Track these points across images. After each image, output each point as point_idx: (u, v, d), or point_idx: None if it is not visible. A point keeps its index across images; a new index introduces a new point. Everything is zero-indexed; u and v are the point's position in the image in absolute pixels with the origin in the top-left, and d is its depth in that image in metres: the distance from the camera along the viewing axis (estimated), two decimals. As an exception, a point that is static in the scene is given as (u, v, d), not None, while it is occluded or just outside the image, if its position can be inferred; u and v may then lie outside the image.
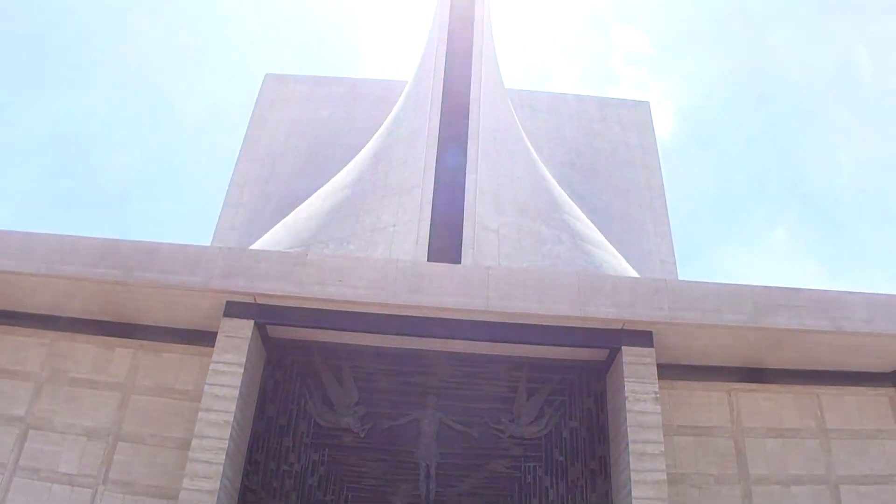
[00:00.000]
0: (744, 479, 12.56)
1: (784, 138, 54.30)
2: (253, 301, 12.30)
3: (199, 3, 56.62)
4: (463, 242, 15.79)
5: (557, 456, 12.76)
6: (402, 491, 12.42)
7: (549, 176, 20.81)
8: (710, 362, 13.27)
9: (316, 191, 20.37)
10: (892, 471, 12.75)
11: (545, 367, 13.28)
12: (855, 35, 52.16)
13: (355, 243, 16.50)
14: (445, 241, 15.87)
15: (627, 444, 11.51)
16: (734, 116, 57.45)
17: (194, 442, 11.22)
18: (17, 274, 12.40)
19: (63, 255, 12.37)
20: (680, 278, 22.89)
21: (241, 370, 11.78)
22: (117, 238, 12.75)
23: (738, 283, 12.79)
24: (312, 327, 12.71)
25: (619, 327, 12.38)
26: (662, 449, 11.48)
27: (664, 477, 11.25)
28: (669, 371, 12.89)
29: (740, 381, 13.35)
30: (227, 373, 11.74)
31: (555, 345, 12.73)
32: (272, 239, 18.34)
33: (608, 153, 27.13)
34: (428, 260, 15.25)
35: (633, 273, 18.31)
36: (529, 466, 12.69)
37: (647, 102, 29.70)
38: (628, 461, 11.39)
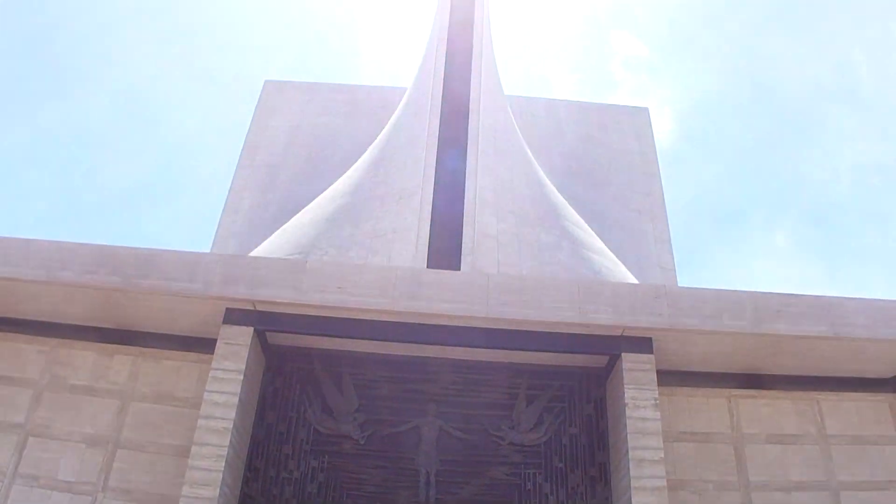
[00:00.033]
0: (744, 486, 12.54)
1: (782, 143, 54.42)
2: (252, 308, 12.30)
3: (199, 10, 56.74)
4: (462, 249, 15.80)
5: (557, 463, 12.74)
6: (403, 498, 12.38)
7: (548, 182, 20.82)
8: (709, 368, 13.25)
9: (315, 197, 20.38)
10: (893, 476, 12.72)
11: (545, 374, 13.27)
12: (852, 39, 52.32)
13: (355, 250, 16.49)
14: (445, 248, 15.88)
15: (627, 451, 11.49)
16: (733, 122, 57.60)
17: (194, 449, 11.19)
18: (16, 280, 12.38)
19: (62, 262, 12.36)
20: (679, 284, 22.90)
21: (241, 377, 11.75)
22: (116, 245, 12.73)
23: (737, 288, 12.78)
24: (312, 334, 12.70)
25: (619, 334, 12.37)
26: (662, 455, 11.44)
27: (664, 483, 11.22)
28: (669, 377, 12.87)
29: (740, 387, 13.33)
30: (226, 380, 11.72)
31: (554, 351, 12.70)
32: (272, 246, 18.34)
33: (607, 159, 27.16)
34: (428, 267, 15.26)
35: (633, 279, 18.30)
36: (529, 473, 12.66)
37: (647, 109, 29.75)
38: (628, 468, 11.37)
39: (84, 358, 13.13)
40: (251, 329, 12.21)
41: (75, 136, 51.80)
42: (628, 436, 11.58)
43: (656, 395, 11.92)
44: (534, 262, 16.59)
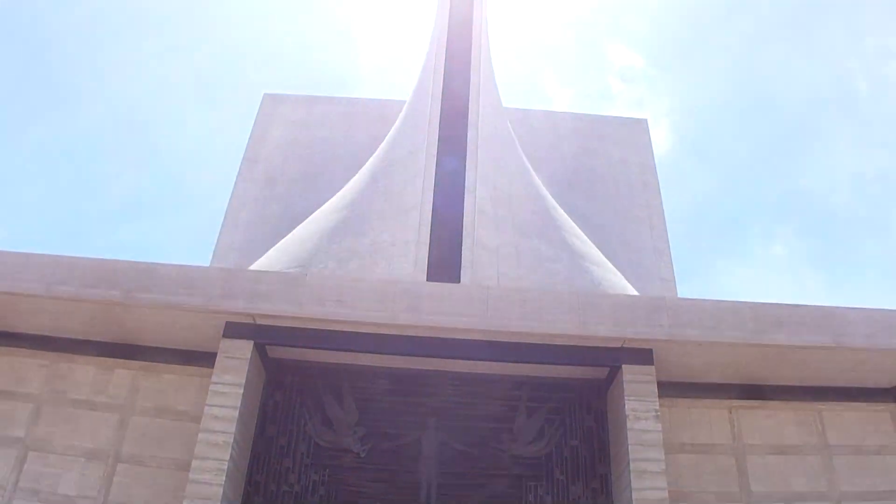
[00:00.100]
0: (745, 497, 12.49)
1: (781, 153, 54.56)
2: (252, 321, 12.29)
3: (197, 24, 56.94)
4: (462, 262, 15.81)
5: (559, 475, 12.70)
6: (403, 511, 12.35)
7: (547, 194, 20.85)
8: (710, 379, 13.25)
9: (315, 210, 20.39)
10: (895, 486, 12.69)
11: (545, 386, 13.26)
12: (849, 49, 52.52)
13: (354, 263, 16.50)
14: (445, 261, 15.88)
15: (629, 463, 11.47)
16: (731, 132, 57.74)
17: (194, 463, 11.16)
18: (15, 295, 12.38)
19: (61, 276, 12.36)
20: (679, 295, 22.89)
21: (241, 391, 11.74)
22: (116, 259, 12.74)
23: (737, 299, 12.80)
24: (312, 347, 12.69)
25: (619, 345, 12.37)
26: (664, 467, 11.42)
27: (666, 495, 11.19)
28: (670, 388, 12.86)
29: (741, 398, 13.31)
30: (226, 393, 11.70)
31: (555, 363, 12.69)
32: (271, 259, 18.34)
33: (606, 171, 27.19)
34: (427, 279, 15.25)
35: (633, 291, 18.31)
36: (531, 486, 12.62)
37: (645, 120, 29.79)
38: (630, 479, 11.34)
39: (84, 372, 13.11)
40: (251, 343, 12.20)
41: (74, 150, 51.94)
42: (629, 447, 11.55)
43: (657, 407, 11.90)
44: (534, 275, 16.60)
